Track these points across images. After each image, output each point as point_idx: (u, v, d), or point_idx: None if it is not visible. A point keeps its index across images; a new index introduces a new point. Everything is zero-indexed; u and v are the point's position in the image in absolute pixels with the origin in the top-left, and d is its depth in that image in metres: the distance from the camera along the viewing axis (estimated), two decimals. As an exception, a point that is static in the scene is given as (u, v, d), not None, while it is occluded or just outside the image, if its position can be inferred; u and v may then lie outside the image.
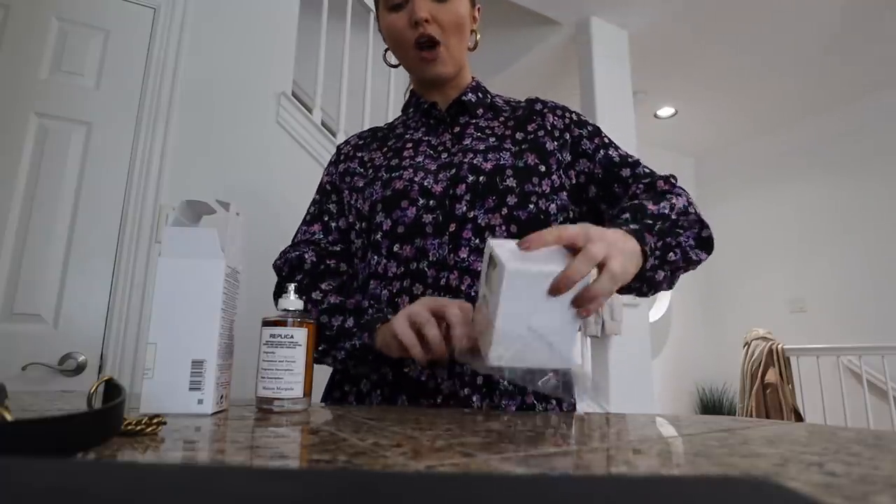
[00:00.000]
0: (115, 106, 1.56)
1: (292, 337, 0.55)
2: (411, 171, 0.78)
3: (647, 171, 0.79)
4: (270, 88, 1.79)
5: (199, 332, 0.51)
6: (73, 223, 1.45)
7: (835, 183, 4.00)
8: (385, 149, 0.85)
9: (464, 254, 0.72)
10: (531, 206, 0.75)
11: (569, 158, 0.81)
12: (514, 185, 0.75)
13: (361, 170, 0.85)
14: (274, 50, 1.83)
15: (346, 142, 0.93)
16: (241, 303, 0.61)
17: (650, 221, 0.65)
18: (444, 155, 0.80)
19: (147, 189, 1.53)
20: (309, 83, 2.52)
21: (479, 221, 0.73)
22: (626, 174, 0.79)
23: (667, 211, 0.68)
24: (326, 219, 0.86)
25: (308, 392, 0.56)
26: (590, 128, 0.83)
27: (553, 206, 0.78)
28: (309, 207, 0.90)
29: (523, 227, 0.74)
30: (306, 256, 0.82)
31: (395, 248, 0.75)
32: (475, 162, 0.76)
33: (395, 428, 0.41)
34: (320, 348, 0.73)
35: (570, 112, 0.85)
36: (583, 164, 0.81)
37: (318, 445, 0.33)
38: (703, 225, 0.72)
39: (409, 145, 0.84)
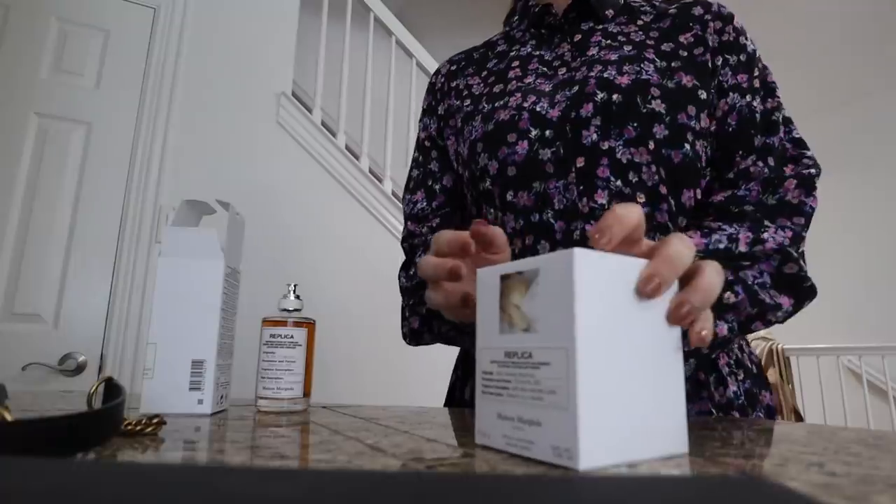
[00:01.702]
0: (115, 106, 1.56)
1: (292, 337, 0.55)
2: (519, 96, 0.60)
3: (782, 148, 0.57)
4: (270, 88, 1.79)
5: (199, 332, 0.51)
6: (73, 223, 1.46)
7: (835, 182, 4.00)
8: (485, 72, 0.68)
9: (602, 198, 0.54)
10: (687, 146, 0.55)
11: (713, 95, 0.59)
12: (664, 111, 0.55)
13: (459, 102, 0.68)
14: (274, 50, 1.83)
15: (437, 72, 0.75)
16: (241, 303, 0.61)
17: (742, 249, 0.49)
18: (563, 71, 0.61)
19: (147, 189, 1.54)
20: (309, 83, 2.52)
21: (619, 156, 0.55)
22: (758, 143, 0.57)
23: (769, 244, 0.50)
24: (430, 183, 0.71)
25: (308, 392, 0.56)
26: (743, 55, 0.60)
27: (704, 155, 0.58)
28: (410, 171, 0.75)
29: (674, 177, 0.56)
30: (405, 246, 0.71)
31: (509, 197, 0.58)
32: (606, 75, 0.57)
33: (395, 428, 0.41)
34: (409, 307, 0.63)
35: (732, 28, 0.61)
36: (720, 106, 0.59)
37: (318, 445, 0.33)
38: (787, 258, 0.51)
39: (516, 64, 0.65)
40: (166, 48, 1.64)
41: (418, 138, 0.75)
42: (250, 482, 0.13)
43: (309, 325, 0.57)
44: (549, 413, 0.27)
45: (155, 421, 0.36)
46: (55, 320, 1.40)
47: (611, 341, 0.28)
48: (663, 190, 0.55)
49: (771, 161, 0.56)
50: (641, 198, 0.55)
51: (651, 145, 0.55)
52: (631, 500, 0.14)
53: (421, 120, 0.75)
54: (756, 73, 0.60)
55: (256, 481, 0.13)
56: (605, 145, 0.55)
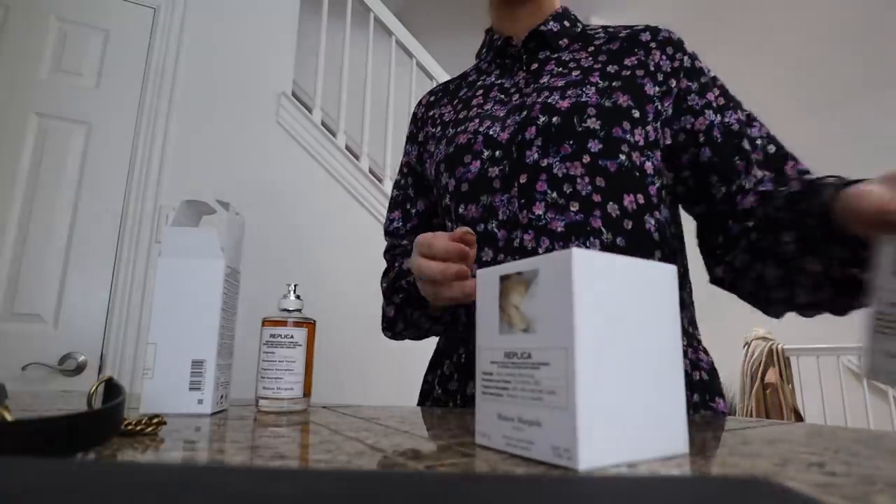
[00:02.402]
0: (115, 106, 1.56)
1: (292, 337, 0.55)
2: (477, 121, 0.67)
3: (766, 142, 0.63)
4: (270, 88, 1.79)
5: (198, 332, 0.51)
6: (73, 223, 1.46)
7: (835, 183, 4.00)
8: (456, 101, 0.75)
9: (539, 210, 0.60)
10: (622, 156, 0.61)
11: (670, 112, 0.65)
12: (598, 127, 0.61)
13: (433, 130, 0.76)
14: (274, 50, 1.83)
15: (419, 103, 0.83)
16: (241, 303, 0.61)
17: None
18: (517, 97, 0.67)
19: (147, 189, 1.54)
20: (309, 83, 2.52)
21: (556, 171, 0.61)
22: (747, 147, 0.63)
23: None
24: (408, 206, 0.80)
25: (308, 392, 0.56)
26: (703, 79, 0.66)
27: (649, 164, 0.63)
28: (392, 190, 0.84)
29: (612, 184, 0.61)
30: (387, 258, 0.79)
31: (461, 210, 0.66)
32: (550, 101, 0.63)
33: (396, 427, 0.41)
34: (387, 299, 0.70)
35: (684, 54, 0.67)
36: (686, 120, 0.64)
37: (318, 445, 0.33)
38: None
39: (480, 92, 0.72)
40: (166, 48, 1.64)
41: (401, 162, 0.83)
42: (250, 482, 0.13)
43: (309, 325, 0.57)
44: (549, 413, 0.27)
45: (155, 421, 0.36)
46: (55, 320, 1.40)
47: (610, 341, 0.28)
48: (596, 198, 0.61)
49: (770, 159, 0.62)
50: (575, 206, 0.61)
51: (586, 159, 0.61)
52: (631, 500, 0.14)
53: (405, 146, 0.82)
54: (718, 92, 0.66)
55: (256, 481, 0.13)
56: (545, 162, 0.62)
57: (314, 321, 0.58)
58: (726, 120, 0.63)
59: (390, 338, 0.76)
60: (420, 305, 0.65)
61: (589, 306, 0.27)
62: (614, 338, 0.28)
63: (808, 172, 0.60)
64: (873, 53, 3.30)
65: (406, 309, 0.67)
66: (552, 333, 0.28)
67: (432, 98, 0.81)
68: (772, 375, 3.30)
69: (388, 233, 0.81)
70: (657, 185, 0.64)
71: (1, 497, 0.11)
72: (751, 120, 0.65)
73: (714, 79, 0.67)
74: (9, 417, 0.28)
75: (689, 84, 0.65)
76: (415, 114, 0.82)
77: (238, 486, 0.13)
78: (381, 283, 0.75)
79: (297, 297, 0.59)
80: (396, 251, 0.79)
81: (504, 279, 0.32)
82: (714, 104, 0.64)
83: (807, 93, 3.81)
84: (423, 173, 0.78)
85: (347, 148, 1.98)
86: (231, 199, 1.71)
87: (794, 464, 0.27)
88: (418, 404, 0.73)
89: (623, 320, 0.29)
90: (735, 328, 4.19)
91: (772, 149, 0.63)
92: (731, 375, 4.10)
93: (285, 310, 0.57)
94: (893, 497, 0.20)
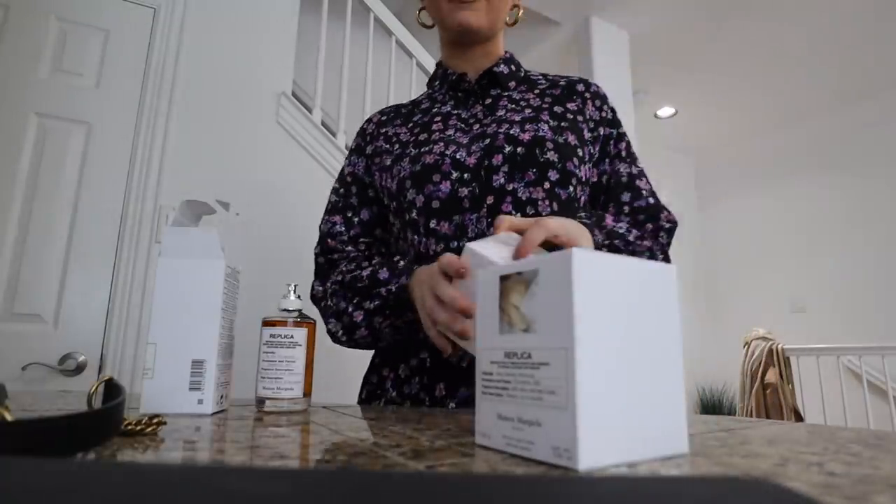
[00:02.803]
0: (115, 106, 1.56)
1: (292, 337, 0.55)
2: (441, 144, 0.74)
3: (647, 204, 0.76)
4: (270, 88, 1.79)
5: (199, 332, 0.51)
6: (73, 223, 1.46)
7: (835, 183, 4.00)
8: (411, 124, 0.81)
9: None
10: (571, 187, 0.72)
11: (596, 155, 0.78)
12: (556, 159, 0.71)
13: (388, 146, 0.80)
14: (274, 50, 1.83)
15: (369, 120, 0.87)
16: (241, 303, 0.61)
17: (607, 223, 0.68)
18: (477, 126, 0.75)
19: (147, 189, 1.53)
20: (309, 83, 2.52)
21: (520, 195, 0.69)
22: (626, 198, 0.76)
23: (628, 237, 0.69)
24: (350, 214, 0.82)
25: (308, 392, 0.56)
26: (619, 130, 0.80)
27: (584, 198, 0.75)
28: (330, 196, 0.86)
29: (563, 210, 0.71)
30: (320, 260, 0.81)
31: (433, 225, 0.71)
32: (512, 132, 0.72)
33: (395, 428, 0.41)
34: (352, 304, 0.70)
35: (608, 107, 0.80)
36: (605, 165, 0.78)
37: (318, 445, 0.33)
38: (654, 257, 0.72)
39: (438, 119, 0.79)
40: (166, 48, 1.64)
41: (342, 172, 0.86)
42: (250, 482, 0.13)
43: (309, 325, 0.57)
44: (549, 413, 0.27)
45: (155, 421, 0.36)
46: (55, 320, 1.40)
47: (610, 341, 0.28)
48: None
49: (637, 213, 0.75)
50: None
51: (546, 185, 0.70)
52: (631, 500, 0.14)
53: (348, 157, 0.86)
54: (625, 142, 0.80)
55: (256, 481, 0.13)
56: (510, 186, 0.70)
57: (314, 321, 0.58)
58: (626, 170, 0.77)
59: (342, 343, 0.76)
60: (398, 316, 0.67)
61: (589, 306, 0.27)
62: (614, 338, 0.28)
63: (674, 223, 0.75)
64: (874, 54, 3.30)
65: (376, 317, 0.68)
66: (552, 333, 0.28)
67: (384, 118, 0.86)
68: (772, 375, 3.30)
69: (329, 234, 0.82)
70: (583, 216, 0.74)
71: (1, 497, 0.11)
72: (641, 174, 0.78)
73: (624, 134, 0.80)
74: (9, 417, 0.28)
75: (611, 131, 0.79)
76: (363, 129, 0.86)
77: (238, 486, 0.13)
78: (327, 285, 0.76)
79: (298, 297, 0.59)
80: (335, 255, 0.80)
81: (504, 279, 0.32)
82: (622, 154, 0.78)
83: (807, 93, 3.80)
84: (371, 184, 0.82)
85: (347, 148, 1.98)
86: (231, 199, 1.71)
87: (794, 464, 0.27)
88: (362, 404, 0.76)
89: (623, 320, 0.29)
90: (735, 328, 4.19)
91: (651, 200, 0.76)
92: (731, 375, 4.11)
93: (285, 310, 0.57)
94: (893, 497, 0.20)
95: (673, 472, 0.26)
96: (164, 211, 1.54)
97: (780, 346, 3.34)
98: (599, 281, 0.28)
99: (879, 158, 3.78)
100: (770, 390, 3.27)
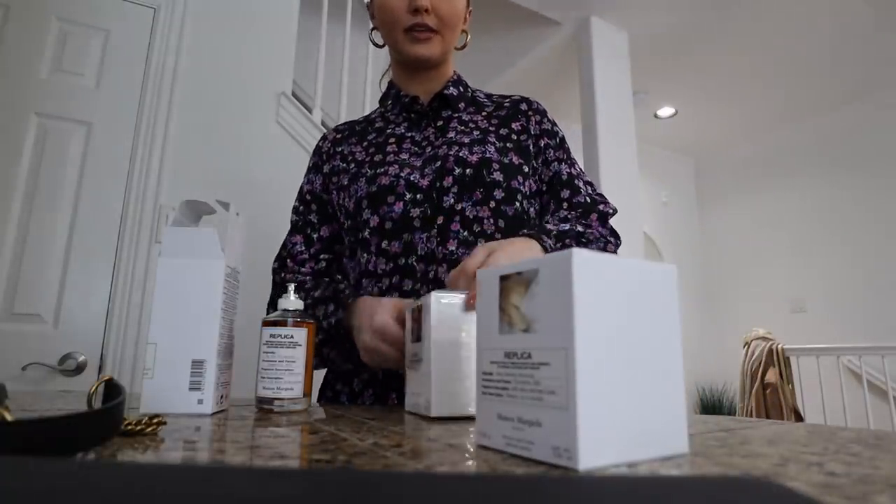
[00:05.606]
0: (115, 106, 1.56)
1: (292, 337, 0.55)
2: (396, 166, 0.77)
3: (587, 200, 0.81)
4: (270, 88, 1.79)
5: (199, 332, 0.51)
6: (73, 223, 1.46)
7: (835, 183, 4.00)
8: (366, 143, 0.84)
9: (452, 246, 0.72)
10: (517, 203, 0.77)
11: (540, 167, 0.84)
12: (501, 179, 0.76)
13: (344, 165, 0.83)
14: (274, 50, 1.83)
15: (324, 137, 0.90)
16: (241, 303, 0.61)
17: (550, 227, 0.72)
18: (429, 149, 0.79)
19: (147, 189, 1.53)
20: (309, 83, 2.52)
21: (468, 214, 0.74)
22: (565, 195, 0.81)
23: (577, 229, 0.74)
24: (309, 231, 0.85)
25: (308, 392, 0.56)
26: (557, 139, 0.85)
27: (532, 210, 0.81)
28: (291, 215, 0.89)
29: (510, 224, 0.76)
30: (276, 278, 0.85)
31: (384, 245, 0.75)
32: (461, 154, 0.76)
33: (395, 428, 0.41)
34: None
35: (548, 120, 0.86)
36: (547, 169, 0.83)
37: (318, 445, 0.33)
38: (606, 247, 0.78)
39: (392, 140, 0.82)
40: (166, 48, 1.64)
41: (301, 190, 0.88)
42: (250, 482, 0.13)
43: (309, 325, 0.57)
44: (549, 413, 0.27)
45: (155, 421, 0.36)
46: (55, 320, 1.40)
47: (610, 341, 0.28)
48: (498, 236, 0.75)
49: (576, 207, 0.81)
50: (481, 242, 0.73)
51: (492, 204, 0.75)
52: (631, 500, 0.14)
53: (306, 175, 0.89)
54: (565, 148, 0.86)
55: (256, 481, 0.13)
56: (459, 206, 0.74)
57: (314, 321, 0.58)
58: (566, 170, 0.83)
59: None
60: (342, 346, 0.71)
61: (589, 306, 0.27)
62: (614, 338, 0.28)
63: (607, 214, 0.81)
64: (873, 55, 3.30)
65: (323, 348, 0.72)
66: (552, 333, 0.28)
67: (338, 136, 0.88)
68: (772, 375, 3.30)
69: (290, 255, 0.85)
70: (525, 231, 0.77)
71: (1, 497, 0.11)
72: (580, 175, 0.85)
73: (563, 140, 0.86)
74: (9, 417, 0.28)
75: (549, 141, 0.84)
76: (319, 147, 0.89)
77: (238, 486, 0.13)
78: (269, 310, 0.81)
79: (298, 297, 0.59)
80: (288, 275, 0.83)
81: (504, 279, 0.32)
82: (561, 157, 0.84)
83: (807, 93, 3.80)
84: (329, 201, 0.85)
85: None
86: (231, 199, 1.71)
87: (794, 464, 0.27)
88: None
89: (623, 320, 0.29)
90: (735, 328, 4.19)
91: (588, 198, 0.81)
92: (731, 375, 4.11)
93: (285, 310, 0.57)
94: (893, 497, 0.20)
95: (673, 472, 0.26)
96: (164, 211, 1.54)
97: (779, 346, 3.34)
98: (599, 281, 0.28)
99: (879, 158, 3.78)
100: (770, 390, 3.27)
